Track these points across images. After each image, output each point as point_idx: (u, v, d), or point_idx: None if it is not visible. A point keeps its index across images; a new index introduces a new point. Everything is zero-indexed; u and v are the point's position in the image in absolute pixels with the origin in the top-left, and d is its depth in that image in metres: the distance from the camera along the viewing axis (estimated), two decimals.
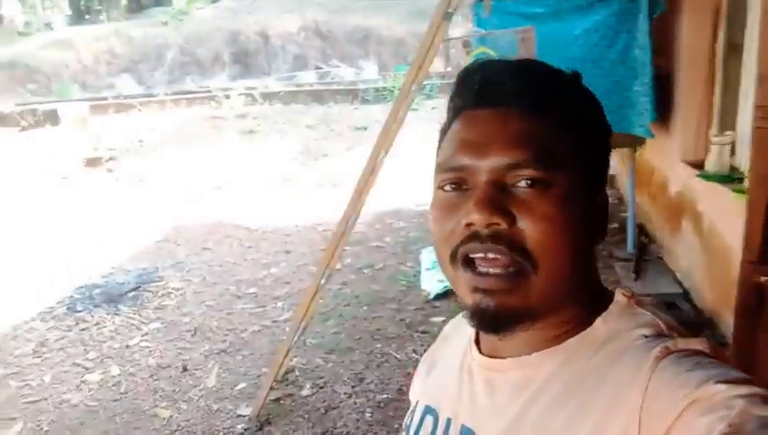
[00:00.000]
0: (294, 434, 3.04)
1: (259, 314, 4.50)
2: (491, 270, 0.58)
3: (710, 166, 3.59)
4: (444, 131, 0.67)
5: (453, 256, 0.61)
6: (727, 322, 3.34)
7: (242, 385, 3.55)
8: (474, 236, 0.58)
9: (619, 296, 0.64)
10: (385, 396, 3.26)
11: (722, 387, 0.50)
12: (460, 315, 0.80)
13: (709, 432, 0.47)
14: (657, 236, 4.79)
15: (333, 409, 3.21)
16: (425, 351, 3.03)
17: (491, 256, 0.58)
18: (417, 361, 2.99)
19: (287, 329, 4.18)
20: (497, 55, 2.93)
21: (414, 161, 8.14)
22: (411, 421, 0.76)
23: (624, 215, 5.50)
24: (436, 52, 3.05)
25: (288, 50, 19.27)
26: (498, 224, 0.57)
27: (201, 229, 6.69)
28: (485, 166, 0.59)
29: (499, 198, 0.58)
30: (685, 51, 4.05)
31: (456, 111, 0.65)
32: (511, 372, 0.64)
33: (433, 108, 10.78)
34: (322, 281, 3.20)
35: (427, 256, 5.03)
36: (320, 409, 3.22)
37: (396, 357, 3.64)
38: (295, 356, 3.65)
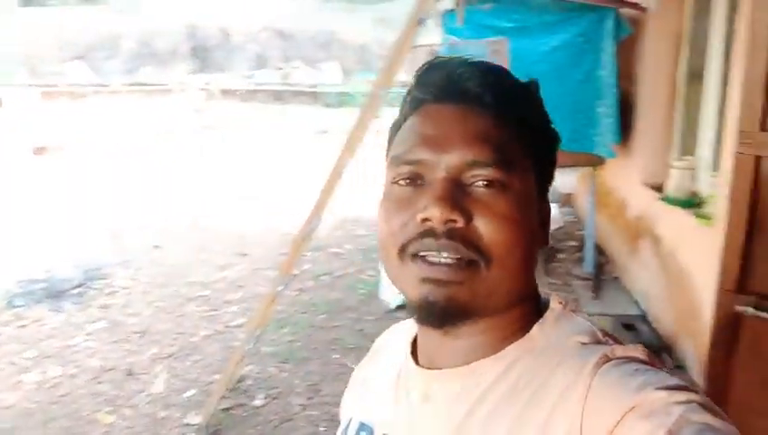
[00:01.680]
0: None
1: (211, 318, 4.35)
2: (442, 259, 0.57)
3: (671, 190, 3.66)
4: (398, 124, 0.65)
5: (401, 251, 0.59)
6: (685, 346, 3.40)
7: (191, 392, 3.40)
8: (428, 233, 0.57)
9: (555, 304, 0.64)
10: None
11: (661, 394, 0.50)
12: (392, 327, 0.80)
13: None
14: (614, 256, 4.86)
15: (287, 421, 3.10)
16: None
17: (444, 253, 0.57)
18: None
19: (240, 335, 4.05)
20: None
21: (377, 168, 8.10)
22: None
23: (581, 233, 5.59)
24: (406, 58, 3.01)
25: (249, 48, 18.98)
26: (455, 221, 0.56)
27: (152, 226, 6.46)
28: (444, 162, 0.58)
29: (457, 195, 0.57)
30: (647, 75, 4.14)
31: (415, 104, 0.64)
32: (450, 383, 0.63)
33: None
34: (281, 287, 3.10)
35: None
36: (272, 420, 3.11)
37: (353, 369, 3.54)
38: (249, 364, 3.52)
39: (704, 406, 0.50)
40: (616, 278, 4.63)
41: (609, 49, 4.13)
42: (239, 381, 3.39)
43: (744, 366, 1.54)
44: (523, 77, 0.65)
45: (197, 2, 20.06)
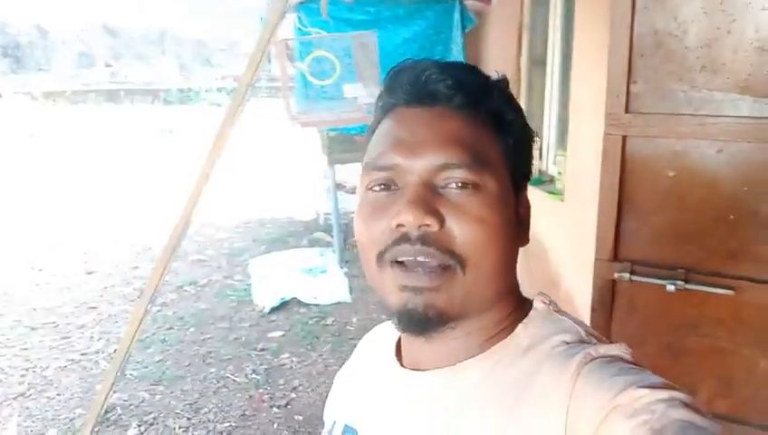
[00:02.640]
0: None
1: (63, 347, 3.90)
2: (418, 267, 0.57)
3: None
4: (372, 130, 0.65)
5: (380, 257, 0.59)
6: None
7: (51, 432, 3.02)
8: (403, 238, 0.57)
9: (538, 303, 0.65)
10: (227, 424, 3.00)
11: (644, 392, 0.51)
12: (375, 328, 0.80)
13: None
14: None
15: None
16: (266, 369, 2.84)
17: (420, 258, 0.57)
18: (259, 381, 2.78)
19: (100, 361, 3.69)
20: (336, 58, 2.87)
21: (232, 168, 7.79)
22: None
23: None
24: (268, 52, 2.90)
25: (71, 46, 17.29)
26: (428, 225, 0.56)
27: None
28: (417, 166, 0.58)
29: (430, 198, 0.57)
30: (493, 63, 4.38)
31: (385, 109, 0.63)
32: (435, 384, 0.63)
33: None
34: (150, 304, 2.86)
35: (258, 267, 4.80)
36: None
37: (234, 380, 3.38)
38: (114, 392, 3.20)
39: (686, 404, 0.50)
40: None
41: (457, 39, 4.32)
42: (107, 412, 3.07)
43: (621, 326, 1.68)
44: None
45: None
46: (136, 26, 17.76)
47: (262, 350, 3.67)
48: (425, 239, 0.56)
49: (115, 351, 3.22)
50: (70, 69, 15.89)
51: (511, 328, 0.63)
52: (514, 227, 0.62)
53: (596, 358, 0.56)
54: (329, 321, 4.02)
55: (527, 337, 0.62)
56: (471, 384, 0.61)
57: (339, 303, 4.24)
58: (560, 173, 3.56)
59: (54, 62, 16.48)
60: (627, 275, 1.64)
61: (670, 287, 1.59)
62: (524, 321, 0.63)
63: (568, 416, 0.53)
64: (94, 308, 4.46)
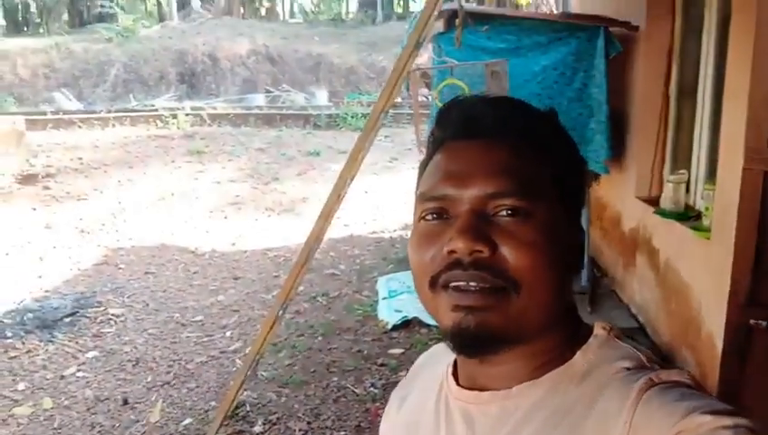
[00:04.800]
0: None
1: (206, 344, 4.28)
2: (471, 287, 0.58)
3: (665, 203, 3.68)
4: (425, 163, 0.68)
5: (433, 283, 0.61)
6: (684, 357, 3.39)
7: (188, 420, 3.33)
8: (456, 264, 0.58)
9: (599, 330, 0.65)
10: (342, 433, 3.12)
11: (708, 418, 0.50)
12: (434, 347, 0.81)
13: None
14: (609, 269, 4.87)
15: None
16: (384, 384, 2.90)
17: (473, 283, 0.58)
18: (376, 395, 2.86)
19: (236, 360, 4.00)
20: (467, 87, 2.92)
21: (369, 188, 8.11)
22: None
23: None
24: (405, 80, 3.02)
25: (237, 72, 19.03)
26: (480, 251, 0.58)
27: (144, 252, 6.39)
28: (467, 195, 0.60)
29: (481, 226, 0.59)
30: (639, 91, 4.18)
31: (437, 143, 0.66)
32: (491, 405, 0.63)
33: (386, 136, 10.81)
34: (281, 311, 3.07)
35: (384, 285, 4.94)
36: None
37: (353, 391, 3.50)
38: (245, 390, 3.46)
39: (752, 431, 0.50)
40: (612, 292, 4.63)
41: (600, 67, 4.17)
42: (237, 407, 3.33)
43: (756, 376, 1.53)
44: (516, 96, 0.68)
45: (185, 29, 20.15)
46: (294, 54, 19.13)
47: (381, 365, 3.77)
48: (477, 265, 0.58)
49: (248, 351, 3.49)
50: (234, 94, 17.49)
51: (568, 354, 0.63)
52: (567, 253, 0.62)
53: (657, 383, 0.56)
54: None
55: (585, 363, 0.62)
56: (526, 407, 0.61)
57: None
58: (707, 209, 3.30)
59: (222, 88, 18.24)
60: (764, 323, 1.50)
61: None
62: (583, 347, 0.63)
63: None
64: (236, 311, 4.84)
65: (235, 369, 3.83)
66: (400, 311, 4.38)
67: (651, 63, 4.07)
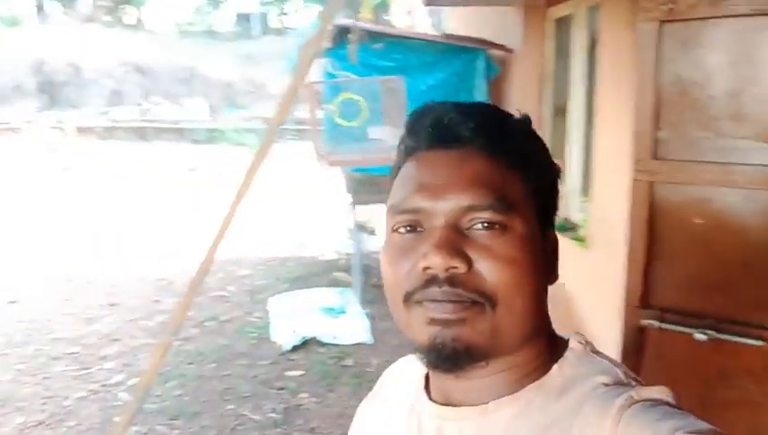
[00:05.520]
0: None
1: (84, 378, 3.93)
2: (447, 303, 0.57)
3: None
4: (395, 172, 0.65)
5: (407, 298, 0.59)
6: None
7: None
8: (432, 281, 0.57)
9: (574, 343, 0.64)
10: None
11: None
12: (401, 361, 0.78)
13: None
14: None
15: None
16: (285, 408, 2.81)
17: (450, 299, 0.57)
18: (277, 420, 2.76)
19: (120, 394, 3.71)
20: (364, 101, 2.96)
21: (255, 206, 7.90)
22: None
23: None
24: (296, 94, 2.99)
25: (103, 84, 17.85)
26: (456, 267, 0.56)
27: (6, 279, 5.76)
28: (442, 208, 0.58)
29: (456, 241, 0.57)
30: (515, 111, 4.45)
31: (408, 152, 0.64)
32: (466, 422, 0.61)
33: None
34: (172, 337, 2.89)
35: (277, 305, 4.82)
36: None
37: (251, 418, 3.37)
38: (132, 425, 3.21)
39: None
40: None
41: (481, 87, 4.40)
42: None
43: (650, 374, 1.66)
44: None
45: (44, 36, 18.57)
46: (167, 65, 18.30)
47: (280, 389, 3.66)
48: (453, 281, 0.56)
49: (136, 383, 3.24)
50: (100, 106, 16.38)
51: (544, 367, 0.62)
52: (543, 264, 0.61)
53: (638, 401, 0.55)
54: (348, 362, 4.00)
55: (562, 377, 0.61)
56: (505, 423, 0.60)
57: (359, 344, 4.23)
58: (584, 220, 3.57)
59: (87, 100, 17.01)
60: (656, 323, 1.64)
61: (699, 336, 1.59)
62: (560, 361, 0.62)
63: None
64: (117, 340, 4.50)
65: (119, 403, 3.55)
66: (296, 332, 4.29)
67: (526, 85, 4.36)
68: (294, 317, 4.54)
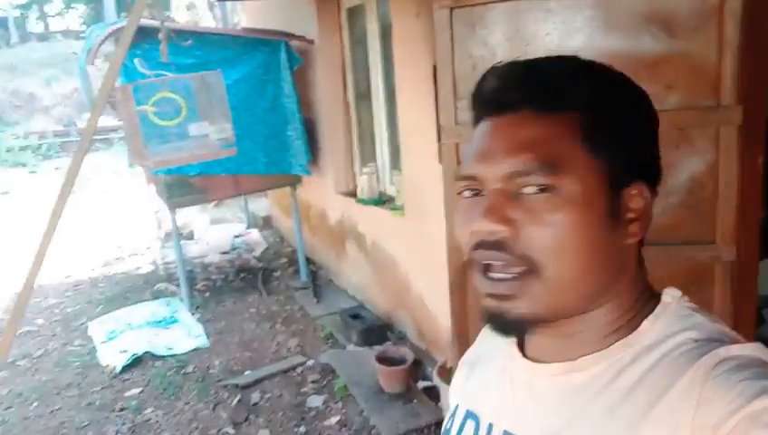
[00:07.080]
0: None
1: None
2: (497, 275, 0.60)
3: (362, 193, 4.20)
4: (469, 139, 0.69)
5: (468, 262, 0.63)
6: (400, 318, 3.94)
7: None
8: (480, 244, 0.60)
9: (667, 298, 0.64)
10: None
11: None
12: None
13: None
14: (324, 262, 5.29)
15: None
16: (131, 427, 2.79)
17: (496, 263, 0.59)
18: None
19: None
20: (181, 99, 2.90)
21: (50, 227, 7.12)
22: (451, 425, 0.75)
23: (289, 250, 5.91)
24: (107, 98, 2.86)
25: None
26: (498, 232, 0.58)
27: None
28: (493, 174, 0.60)
29: (503, 205, 0.58)
30: (323, 100, 4.64)
31: (474, 121, 0.67)
32: (556, 377, 0.63)
33: (56, 168, 9.61)
34: None
35: (99, 329, 4.49)
36: None
37: None
38: None
39: None
40: (330, 281, 5.06)
41: (287, 78, 4.50)
42: None
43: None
44: None
45: None
46: None
47: (122, 410, 3.45)
48: (499, 245, 0.58)
49: None
50: None
51: (634, 324, 0.62)
52: (609, 222, 0.60)
53: (726, 359, 0.54)
54: (189, 369, 3.89)
55: (652, 333, 0.61)
56: (593, 379, 0.61)
57: (196, 349, 4.12)
58: (398, 192, 3.88)
59: None
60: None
61: None
62: (650, 317, 0.62)
63: (694, 422, 0.52)
64: None
65: None
66: (126, 350, 4.05)
67: (329, 73, 4.56)
68: (121, 337, 4.28)
